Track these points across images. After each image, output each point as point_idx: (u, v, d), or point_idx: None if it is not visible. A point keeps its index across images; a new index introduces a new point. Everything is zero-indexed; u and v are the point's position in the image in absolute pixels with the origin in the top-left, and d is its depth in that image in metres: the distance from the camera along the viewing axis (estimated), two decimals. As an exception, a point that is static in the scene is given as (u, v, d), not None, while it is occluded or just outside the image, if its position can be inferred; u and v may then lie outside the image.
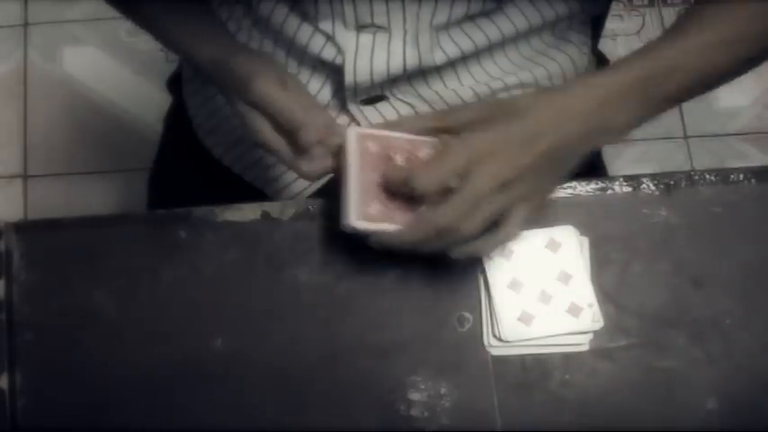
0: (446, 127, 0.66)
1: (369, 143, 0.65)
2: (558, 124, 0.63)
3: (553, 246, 0.70)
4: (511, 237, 0.64)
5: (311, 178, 0.68)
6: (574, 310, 0.68)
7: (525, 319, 0.67)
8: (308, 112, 0.66)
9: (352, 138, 0.65)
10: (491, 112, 0.64)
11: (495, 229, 0.63)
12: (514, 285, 0.68)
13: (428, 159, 0.64)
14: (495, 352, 0.68)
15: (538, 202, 0.65)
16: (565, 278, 0.69)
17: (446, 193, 0.61)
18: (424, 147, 0.66)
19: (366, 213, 0.63)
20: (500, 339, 0.67)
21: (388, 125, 0.68)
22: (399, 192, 0.63)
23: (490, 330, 0.68)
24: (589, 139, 0.65)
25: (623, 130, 0.65)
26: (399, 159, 0.65)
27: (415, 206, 0.63)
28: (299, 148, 0.66)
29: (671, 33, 0.67)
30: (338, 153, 0.66)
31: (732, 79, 0.71)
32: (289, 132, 0.66)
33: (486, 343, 0.68)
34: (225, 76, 0.69)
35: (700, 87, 0.68)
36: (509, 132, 0.62)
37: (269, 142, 0.68)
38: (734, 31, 0.67)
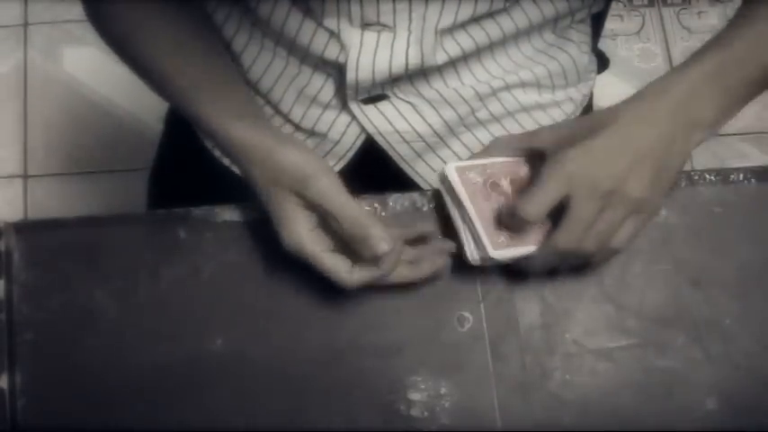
0: (534, 150, 0.67)
1: (470, 174, 0.67)
2: (644, 127, 0.64)
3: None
4: (622, 249, 0.65)
5: (355, 285, 0.65)
6: None
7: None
8: (376, 220, 0.64)
9: (453, 173, 0.67)
10: (574, 129, 0.65)
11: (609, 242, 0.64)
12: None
13: (528, 189, 0.64)
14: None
15: (647, 212, 0.65)
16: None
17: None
18: (522, 165, 0.68)
19: (497, 243, 0.65)
20: (491, 258, 0.66)
21: (479, 154, 0.70)
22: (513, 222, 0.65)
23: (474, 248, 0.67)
24: (681, 137, 0.65)
25: (714, 123, 0.66)
26: (505, 184, 0.67)
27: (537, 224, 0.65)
28: (359, 256, 0.64)
29: (735, 24, 0.68)
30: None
31: None
32: (349, 238, 0.64)
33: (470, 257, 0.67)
34: (259, 160, 0.66)
35: None
36: (597, 145, 0.63)
37: (304, 240, 0.65)
38: None
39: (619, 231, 0.64)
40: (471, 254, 0.66)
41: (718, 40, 0.67)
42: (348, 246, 0.65)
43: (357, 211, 0.64)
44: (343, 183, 0.65)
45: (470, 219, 0.66)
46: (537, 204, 0.63)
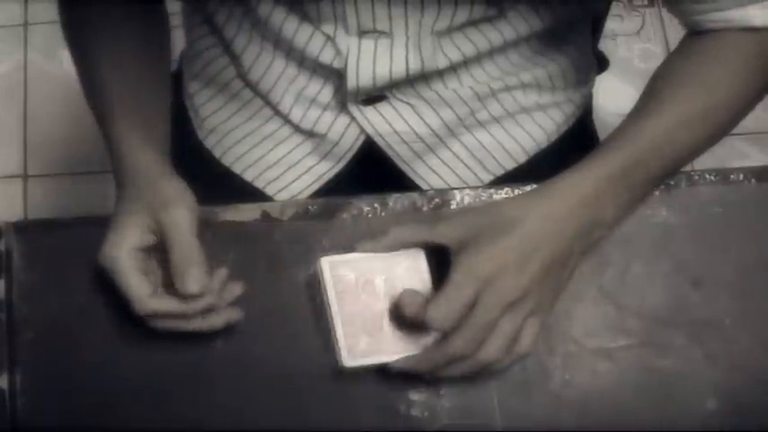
0: (436, 244, 0.64)
1: (343, 271, 0.65)
2: (552, 234, 0.63)
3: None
4: (526, 354, 0.63)
5: (147, 311, 0.63)
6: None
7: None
8: (204, 263, 0.63)
9: (326, 269, 0.65)
10: (480, 227, 0.63)
11: (512, 346, 0.62)
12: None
13: (437, 295, 0.61)
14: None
15: (547, 312, 0.65)
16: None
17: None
18: (401, 262, 0.65)
19: (355, 351, 0.63)
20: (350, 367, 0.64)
21: (369, 244, 0.66)
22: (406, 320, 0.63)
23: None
24: (583, 238, 0.64)
25: (614, 221, 0.66)
26: (379, 282, 0.65)
27: (407, 329, 0.64)
28: (176, 291, 0.63)
29: (642, 115, 0.67)
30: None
31: (714, 144, 0.71)
32: (172, 269, 0.63)
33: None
34: (142, 183, 0.67)
35: (678, 165, 0.69)
36: (506, 252, 0.61)
37: (122, 254, 0.64)
38: (705, 101, 0.67)
39: (522, 336, 0.62)
40: (338, 355, 0.64)
41: (625, 137, 0.66)
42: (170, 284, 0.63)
43: (193, 248, 0.63)
44: (196, 226, 0.65)
45: (332, 322, 0.64)
46: (445, 314, 0.60)
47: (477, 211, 0.65)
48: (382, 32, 0.71)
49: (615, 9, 1.72)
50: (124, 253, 0.64)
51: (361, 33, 0.72)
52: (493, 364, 0.62)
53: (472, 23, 0.72)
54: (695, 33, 0.71)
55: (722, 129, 0.69)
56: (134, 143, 0.69)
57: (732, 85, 0.68)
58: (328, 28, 0.72)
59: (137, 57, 0.76)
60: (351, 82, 0.74)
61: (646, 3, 1.73)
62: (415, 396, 0.67)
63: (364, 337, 0.64)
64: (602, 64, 0.95)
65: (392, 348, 0.64)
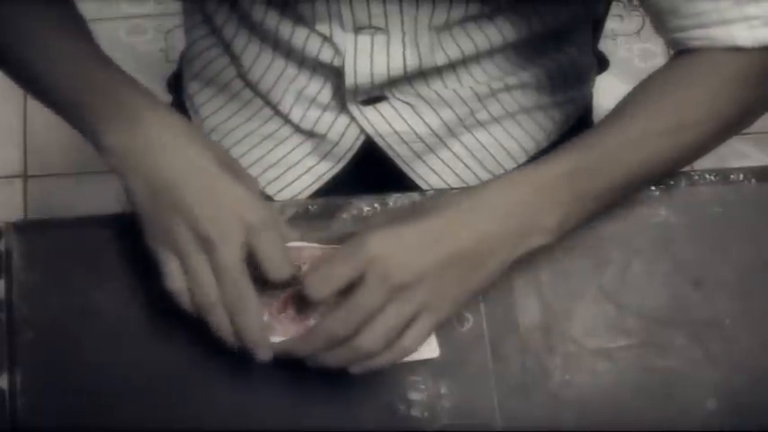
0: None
1: None
2: (469, 228, 0.59)
3: None
4: (409, 351, 0.59)
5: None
6: None
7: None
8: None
9: None
10: (399, 212, 0.61)
11: (394, 339, 0.58)
12: None
13: (319, 264, 0.58)
14: None
15: (445, 312, 0.60)
16: None
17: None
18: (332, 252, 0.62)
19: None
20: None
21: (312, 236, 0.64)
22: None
23: None
24: (511, 242, 0.60)
25: (550, 233, 0.62)
26: (304, 269, 0.61)
27: (304, 313, 0.61)
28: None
29: (607, 123, 0.65)
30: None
31: (684, 165, 0.69)
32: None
33: None
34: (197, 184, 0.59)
35: (639, 180, 0.66)
36: (408, 232, 0.58)
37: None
38: (675, 118, 0.64)
39: (408, 331, 0.58)
40: None
41: (578, 145, 0.63)
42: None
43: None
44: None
45: None
46: (323, 281, 0.57)
47: (417, 203, 0.63)
48: (378, 28, 0.71)
49: (615, 9, 1.72)
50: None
51: (357, 30, 0.72)
52: (371, 355, 0.58)
53: (470, 20, 0.72)
54: (679, 53, 0.68)
55: (695, 147, 0.66)
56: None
57: (706, 105, 0.65)
58: (323, 27, 0.72)
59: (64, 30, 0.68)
60: (349, 80, 0.74)
61: (646, 3, 1.73)
62: (415, 396, 0.67)
63: (266, 316, 0.61)
64: (602, 64, 0.96)
65: (283, 330, 0.60)
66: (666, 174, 0.69)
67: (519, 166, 0.63)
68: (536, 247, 0.62)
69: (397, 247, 0.57)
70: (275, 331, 0.61)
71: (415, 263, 0.57)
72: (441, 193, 0.71)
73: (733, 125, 0.67)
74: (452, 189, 0.73)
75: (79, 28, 0.68)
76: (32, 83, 0.68)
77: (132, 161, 0.60)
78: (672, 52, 0.70)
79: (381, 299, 0.57)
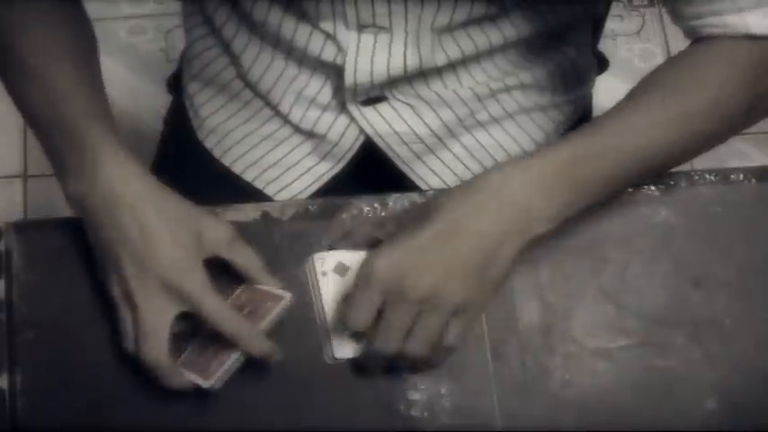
0: (386, 235, 0.66)
1: (241, 294, 0.67)
2: (473, 226, 0.61)
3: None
4: (453, 348, 0.64)
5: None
6: None
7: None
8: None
9: (317, 264, 0.68)
10: (403, 221, 0.64)
11: (438, 341, 0.63)
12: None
13: (352, 297, 0.63)
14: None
15: (474, 307, 0.63)
16: None
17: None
18: (280, 303, 0.65)
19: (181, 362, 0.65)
20: (334, 359, 0.66)
21: (341, 244, 0.68)
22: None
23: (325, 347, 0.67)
24: (514, 234, 0.62)
25: (552, 220, 0.63)
26: (246, 312, 0.65)
27: (217, 355, 0.63)
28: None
29: (611, 113, 0.65)
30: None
31: (692, 157, 0.69)
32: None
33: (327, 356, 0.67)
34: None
35: (641, 170, 0.66)
36: (413, 246, 0.61)
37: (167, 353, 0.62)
38: (680, 106, 0.64)
39: (447, 331, 0.63)
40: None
41: (583, 133, 0.64)
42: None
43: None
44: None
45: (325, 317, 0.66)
46: (358, 317, 0.62)
47: (418, 206, 0.67)
48: (382, 27, 0.71)
49: (615, 9, 1.72)
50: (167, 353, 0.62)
51: (361, 28, 0.72)
52: (423, 358, 0.63)
53: (473, 21, 0.72)
54: (695, 41, 0.69)
55: (703, 137, 0.66)
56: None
57: (713, 92, 0.65)
58: (327, 25, 0.72)
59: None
60: (348, 78, 0.74)
61: (646, 3, 1.73)
62: (415, 396, 0.67)
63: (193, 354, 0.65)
64: (602, 64, 0.95)
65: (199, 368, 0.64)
66: (669, 166, 0.69)
67: (518, 159, 0.63)
68: (541, 234, 0.63)
69: (404, 266, 0.61)
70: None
71: (426, 276, 0.60)
72: (441, 193, 0.71)
73: (739, 116, 0.67)
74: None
75: (76, 49, 0.70)
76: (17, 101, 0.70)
77: (88, 214, 0.65)
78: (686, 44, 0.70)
79: (410, 314, 0.61)
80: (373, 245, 0.66)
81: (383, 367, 0.65)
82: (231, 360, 0.63)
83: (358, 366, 0.66)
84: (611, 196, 0.67)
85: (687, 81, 0.66)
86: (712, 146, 0.68)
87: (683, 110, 0.64)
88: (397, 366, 0.65)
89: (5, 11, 0.68)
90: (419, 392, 0.67)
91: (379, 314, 0.62)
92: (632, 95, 0.66)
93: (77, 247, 0.69)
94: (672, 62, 0.69)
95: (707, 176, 0.73)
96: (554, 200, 0.62)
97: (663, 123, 0.64)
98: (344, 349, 0.66)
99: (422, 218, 0.62)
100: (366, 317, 0.62)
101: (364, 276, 0.62)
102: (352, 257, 0.66)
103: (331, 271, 0.67)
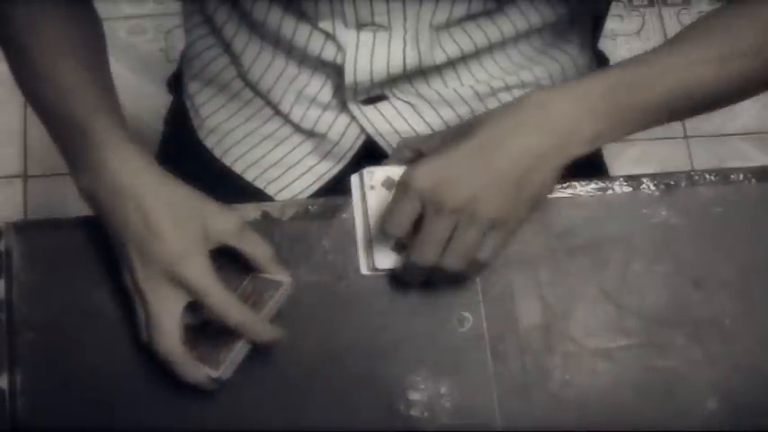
0: (429, 150, 0.67)
1: (248, 284, 0.68)
2: (511, 143, 0.61)
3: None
4: (486, 263, 0.64)
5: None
6: None
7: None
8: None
9: (365, 179, 0.70)
10: (449, 133, 0.65)
11: (473, 255, 0.63)
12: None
13: (387, 207, 0.64)
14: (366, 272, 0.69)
15: (510, 224, 0.64)
16: None
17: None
18: (280, 289, 0.66)
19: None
20: (375, 269, 0.68)
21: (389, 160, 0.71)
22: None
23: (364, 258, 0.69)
24: (551, 154, 0.62)
25: (588, 142, 0.63)
26: (250, 302, 0.66)
27: (224, 345, 0.63)
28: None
29: (656, 49, 0.66)
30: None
31: (734, 101, 0.68)
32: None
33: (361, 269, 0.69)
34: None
35: (678, 105, 0.65)
36: (452, 158, 0.62)
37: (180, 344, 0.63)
38: (721, 48, 0.64)
39: (482, 246, 0.63)
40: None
41: (630, 61, 0.64)
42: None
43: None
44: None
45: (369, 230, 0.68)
46: (395, 222, 0.63)
47: (462, 123, 0.67)
48: (380, 26, 0.72)
49: (615, 9, 1.72)
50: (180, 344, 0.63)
51: (360, 27, 0.72)
52: (458, 273, 0.64)
53: (471, 18, 0.72)
54: None
55: (749, 79, 0.66)
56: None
57: (754, 37, 0.64)
58: (326, 25, 0.72)
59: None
60: (348, 77, 0.74)
61: (646, 3, 1.73)
62: (415, 396, 0.67)
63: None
64: (602, 63, 0.95)
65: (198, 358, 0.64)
66: (707, 107, 0.68)
67: (553, 87, 0.64)
68: (577, 155, 0.63)
69: (443, 176, 0.61)
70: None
71: (463, 186, 0.61)
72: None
73: None
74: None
75: (86, 45, 0.71)
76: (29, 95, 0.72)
77: (100, 208, 0.65)
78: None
79: (447, 225, 0.62)
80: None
81: (420, 280, 0.66)
82: (237, 348, 0.63)
83: (396, 278, 0.68)
84: (650, 126, 0.67)
85: (734, 22, 0.66)
86: (759, 90, 0.68)
87: (724, 52, 0.64)
88: (434, 280, 0.66)
89: (21, 13, 0.69)
90: (419, 392, 0.67)
91: (419, 229, 0.63)
92: (678, 36, 0.67)
93: (77, 247, 0.69)
94: (721, 8, 0.68)
95: (707, 176, 0.73)
96: (597, 122, 0.63)
97: (703, 62, 0.64)
98: (385, 260, 0.67)
99: (464, 133, 0.63)
100: (403, 222, 0.63)
101: (403, 183, 0.63)
102: (400, 172, 0.66)
103: (379, 185, 0.69)
